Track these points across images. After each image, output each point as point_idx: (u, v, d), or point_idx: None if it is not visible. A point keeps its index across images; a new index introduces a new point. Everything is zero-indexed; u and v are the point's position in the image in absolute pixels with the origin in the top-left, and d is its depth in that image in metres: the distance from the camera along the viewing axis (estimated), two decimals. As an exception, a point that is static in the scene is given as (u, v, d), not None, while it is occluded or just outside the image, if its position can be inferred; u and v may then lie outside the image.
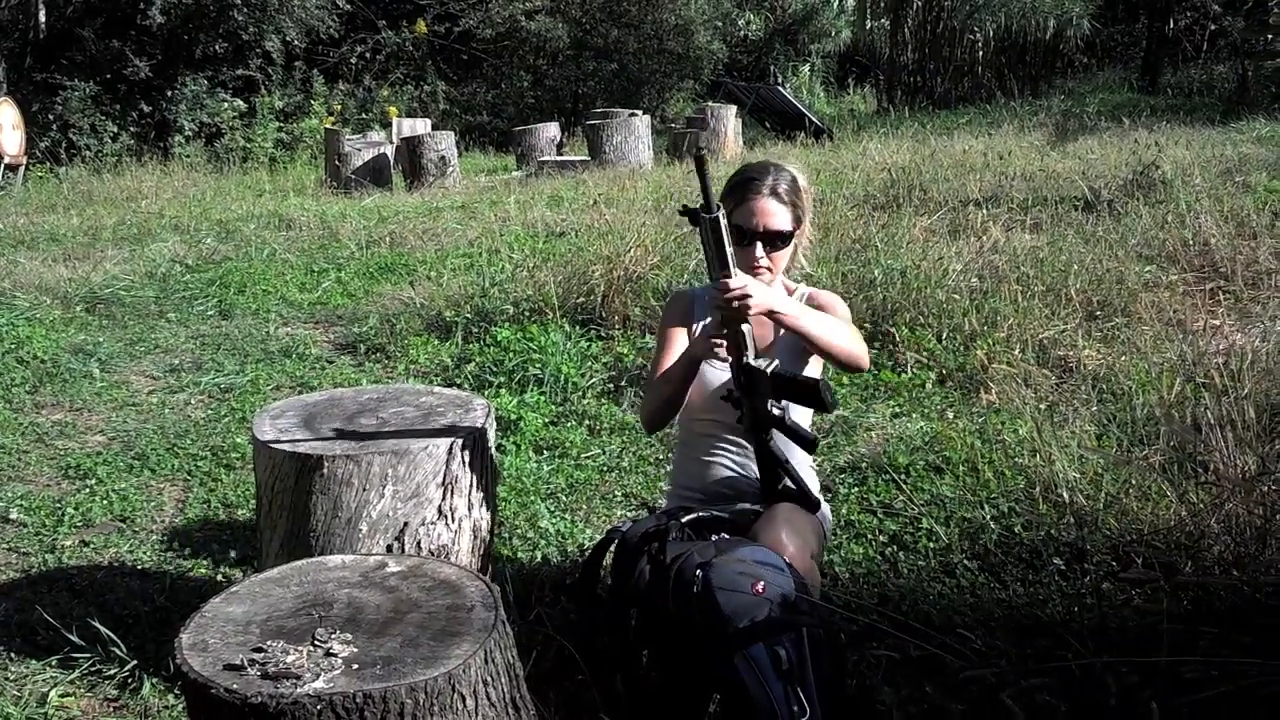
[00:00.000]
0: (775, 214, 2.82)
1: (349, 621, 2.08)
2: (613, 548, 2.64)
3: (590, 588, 2.74)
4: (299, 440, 2.82)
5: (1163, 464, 3.71)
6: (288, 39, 18.47)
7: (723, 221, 2.47)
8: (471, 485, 2.88)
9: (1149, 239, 6.75)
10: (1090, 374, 4.80)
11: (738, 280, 2.49)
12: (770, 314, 2.58)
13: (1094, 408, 4.38)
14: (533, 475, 4.25)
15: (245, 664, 1.93)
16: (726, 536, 2.61)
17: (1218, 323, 5.36)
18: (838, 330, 2.70)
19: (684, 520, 2.61)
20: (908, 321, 5.33)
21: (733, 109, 15.27)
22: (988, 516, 3.60)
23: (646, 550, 2.52)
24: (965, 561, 3.40)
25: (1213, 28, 22.18)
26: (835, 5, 25.58)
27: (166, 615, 3.29)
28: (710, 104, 16.59)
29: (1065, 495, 3.59)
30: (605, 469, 4.36)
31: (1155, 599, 3.09)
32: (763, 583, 2.34)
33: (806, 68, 25.57)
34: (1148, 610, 3.04)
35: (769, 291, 2.59)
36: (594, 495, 4.13)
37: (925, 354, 5.11)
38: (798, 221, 2.87)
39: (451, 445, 2.81)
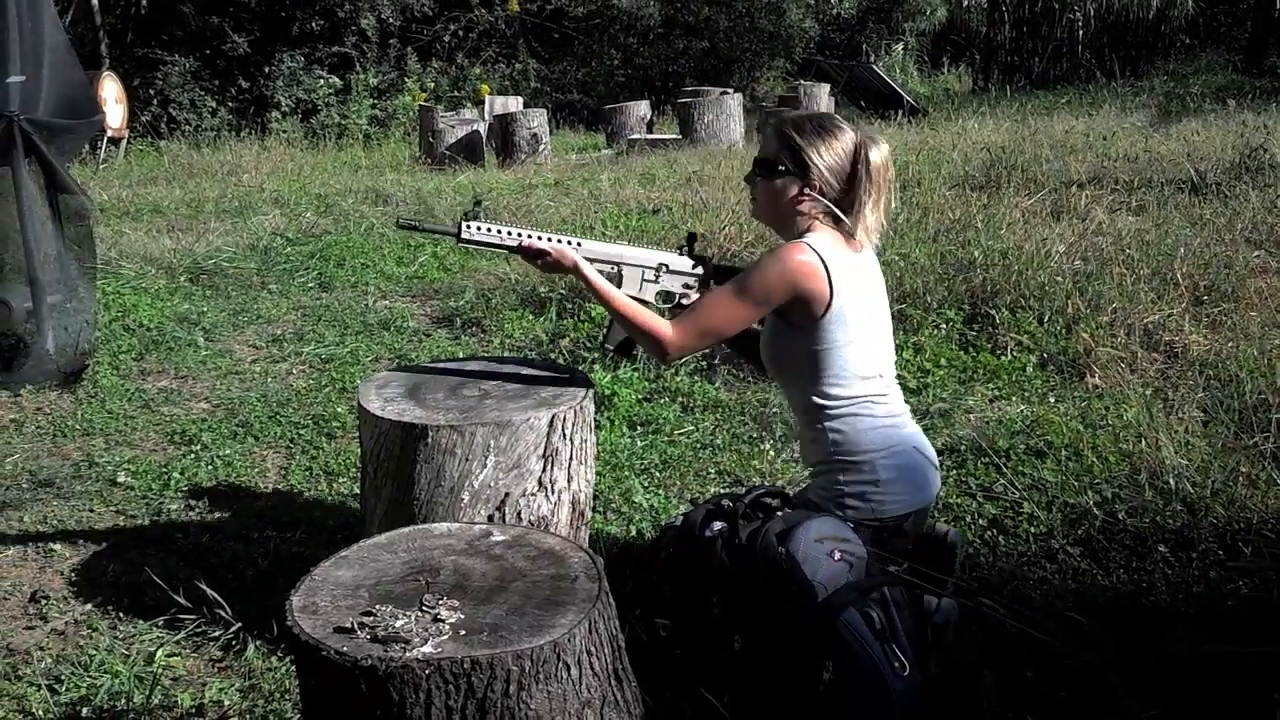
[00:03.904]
0: (761, 143, 2.86)
1: (456, 588, 2.10)
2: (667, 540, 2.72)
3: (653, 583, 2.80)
4: (404, 409, 2.85)
5: (1274, 452, 3.61)
6: (382, 17, 18.66)
7: (469, 229, 2.85)
8: (571, 458, 2.90)
9: (1258, 223, 6.55)
10: (1197, 359, 4.69)
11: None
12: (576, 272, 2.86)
13: (1200, 394, 4.27)
14: (626, 450, 4.26)
15: (355, 627, 1.95)
16: (789, 510, 2.64)
17: (1328, 310, 5.19)
18: (619, 313, 2.79)
19: (747, 499, 2.65)
20: (1008, 304, 5.22)
21: (825, 87, 15.11)
22: (1091, 502, 3.52)
23: (719, 535, 2.57)
24: (1067, 547, 3.34)
25: (1324, 7, 21.44)
26: (930, -17, 25.20)
27: (270, 579, 3.35)
28: (802, 82, 16.43)
29: (1172, 482, 3.51)
30: (699, 446, 4.35)
31: (1265, 589, 3.02)
32: (838, 550, 2.46)
33: (900, 46, 25.22)
34: (1257, 600, 2.98)
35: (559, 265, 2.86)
36: (688, 472, 4.13)
37: (1026, 336, 5.02)
38: (784, 160, 2.66)
39: (553, 418, 2.82)
